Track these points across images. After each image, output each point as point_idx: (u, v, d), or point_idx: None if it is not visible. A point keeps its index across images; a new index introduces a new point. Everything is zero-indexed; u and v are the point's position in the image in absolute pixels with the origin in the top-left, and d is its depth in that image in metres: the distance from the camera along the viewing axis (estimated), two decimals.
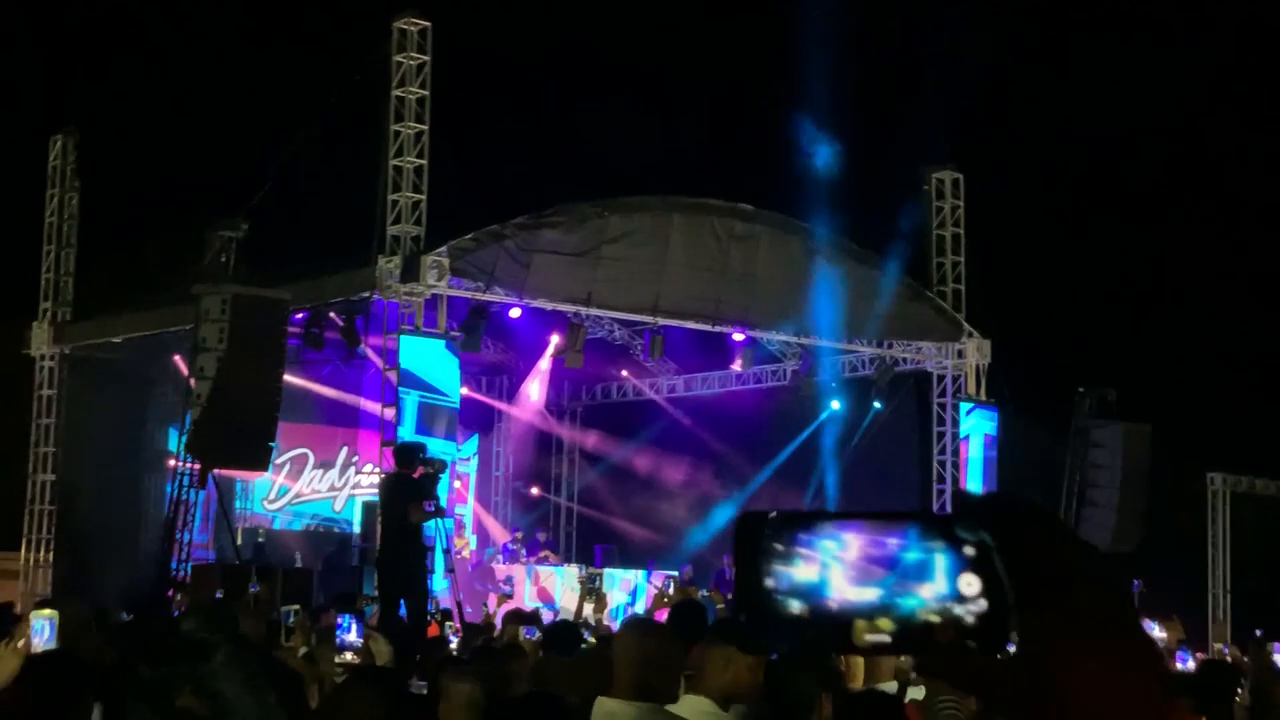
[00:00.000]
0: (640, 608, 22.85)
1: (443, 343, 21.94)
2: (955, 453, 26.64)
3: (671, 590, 10.96)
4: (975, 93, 29.00)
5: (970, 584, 2.16)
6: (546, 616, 17.35)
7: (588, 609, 9.57)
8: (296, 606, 8.81)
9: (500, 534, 29.56)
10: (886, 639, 2.17)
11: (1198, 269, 28.98)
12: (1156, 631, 20.49)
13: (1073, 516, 26.39)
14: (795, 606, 2.18)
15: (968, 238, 26.73)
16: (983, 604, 2.14)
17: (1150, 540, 25.93)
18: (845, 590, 2.17)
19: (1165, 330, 28.03)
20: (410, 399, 21.55)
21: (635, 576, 25.03)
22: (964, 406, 26.66)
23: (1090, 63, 29.27)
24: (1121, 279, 28.09)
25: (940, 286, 26.64)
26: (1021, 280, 27.30)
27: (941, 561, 2.16)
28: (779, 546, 2.19)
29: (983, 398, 26.74)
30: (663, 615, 10.26)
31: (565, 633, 8.42)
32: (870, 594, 2.17)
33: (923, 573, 2.17)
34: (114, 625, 11.48)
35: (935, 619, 2.14)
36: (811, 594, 2.18)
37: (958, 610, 2.15)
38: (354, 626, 8.40)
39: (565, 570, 25.36)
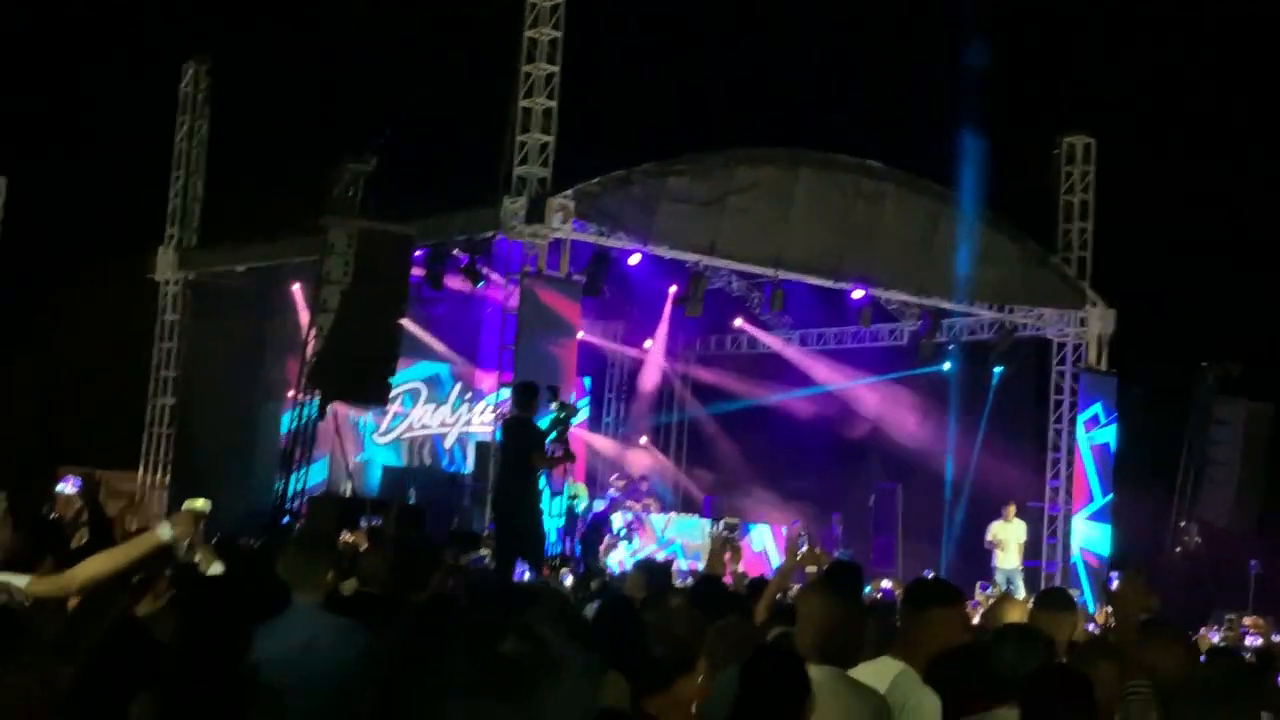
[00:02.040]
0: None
1: (566, 285, 21.85)
2: (1073, 422, 26.24)
3: (805, 549, 10.82)
4: (1112, 56, 28.54)
5: None
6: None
7: (729, 564, 9.46)
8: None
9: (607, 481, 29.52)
10: None
11: None
12: None
13: (1189, 494, 26.03)
14: None
15: (1098, 204, 26.27)
16: None
17: (1270, 521, 25.46)
18: None
19: None
20: (534, 339, 21.49)
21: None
22: (1084, 376, 26.27)
23: (1231, 21, 28.57)
24: (1254, 253, 27.46)
25: (1066, 253, 26.21)
26: (1150, 250, 26.77)
27: None
28: None
29: (1103, 368, 26.32)
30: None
31: (714, 590, 8.28)
32: None
33: None
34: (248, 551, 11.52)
35: None
36: None
37: None
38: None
39: (685, 520, 25.37)
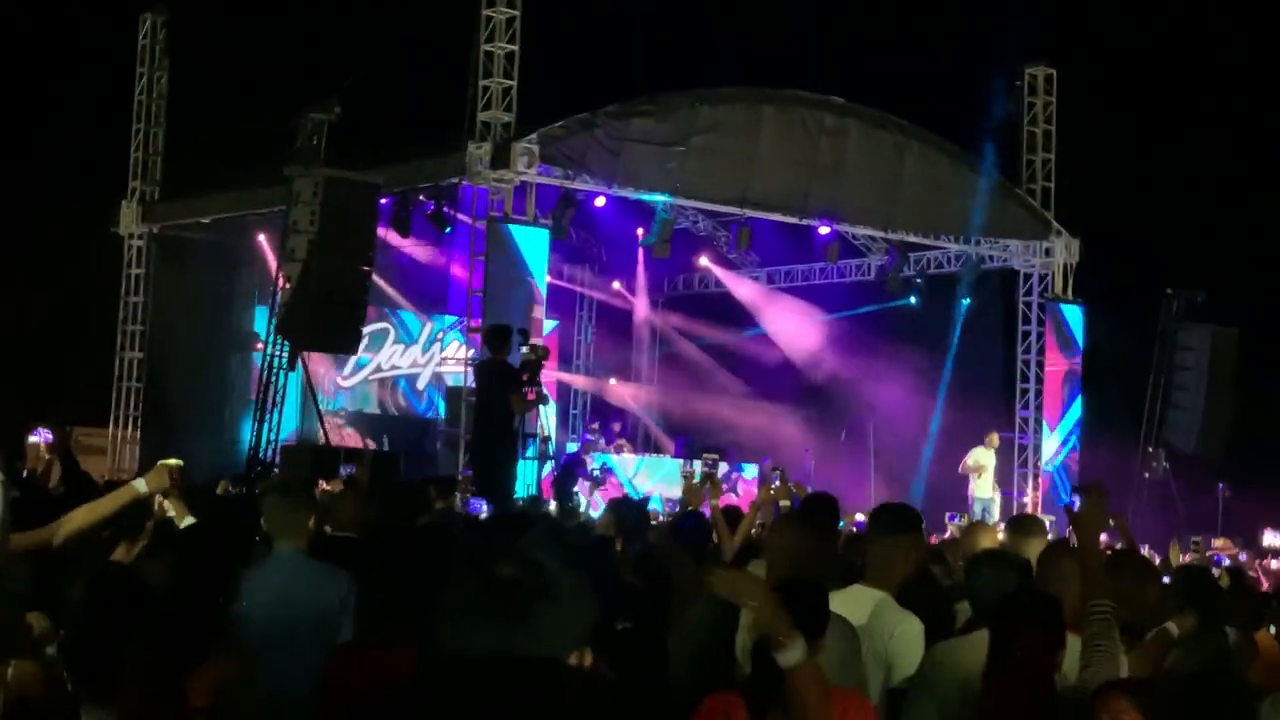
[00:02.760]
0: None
1: (532, 229, 21.86)
2: (1040, 352, 26.46)
3: (779, 483, 11.00)
4: None
5: None
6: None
7: (707, 498, 9.56)
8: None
9: (581, 426, 29.67)
10: None
11: None
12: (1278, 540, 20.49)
13: (1157, 419, 26.25)
14: None
15: (1059, 135, 26.36)
16: None
17: (1237, 445, 25.73)
18: None
19: (1257, 232, 27.58)
20: (504, 283, 21.51)
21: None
22: (1051, 305, 26.45)
23: None
24: (1215, 179, 27.64)
25: (1030, 184, 26.33)
26: (1112, 179, 26.88)
27: None
28: None
29: (1070, 297, 26.52)
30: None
31: (691, 524, 8.37)
32: None
33: None
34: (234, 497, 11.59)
35: None
36: None
37: None
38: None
39: (658, 462, 25.52)
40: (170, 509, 9.05)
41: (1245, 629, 7.78)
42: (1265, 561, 18.26)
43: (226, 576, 5.78)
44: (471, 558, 2.60)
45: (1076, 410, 26.41)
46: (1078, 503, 6.00)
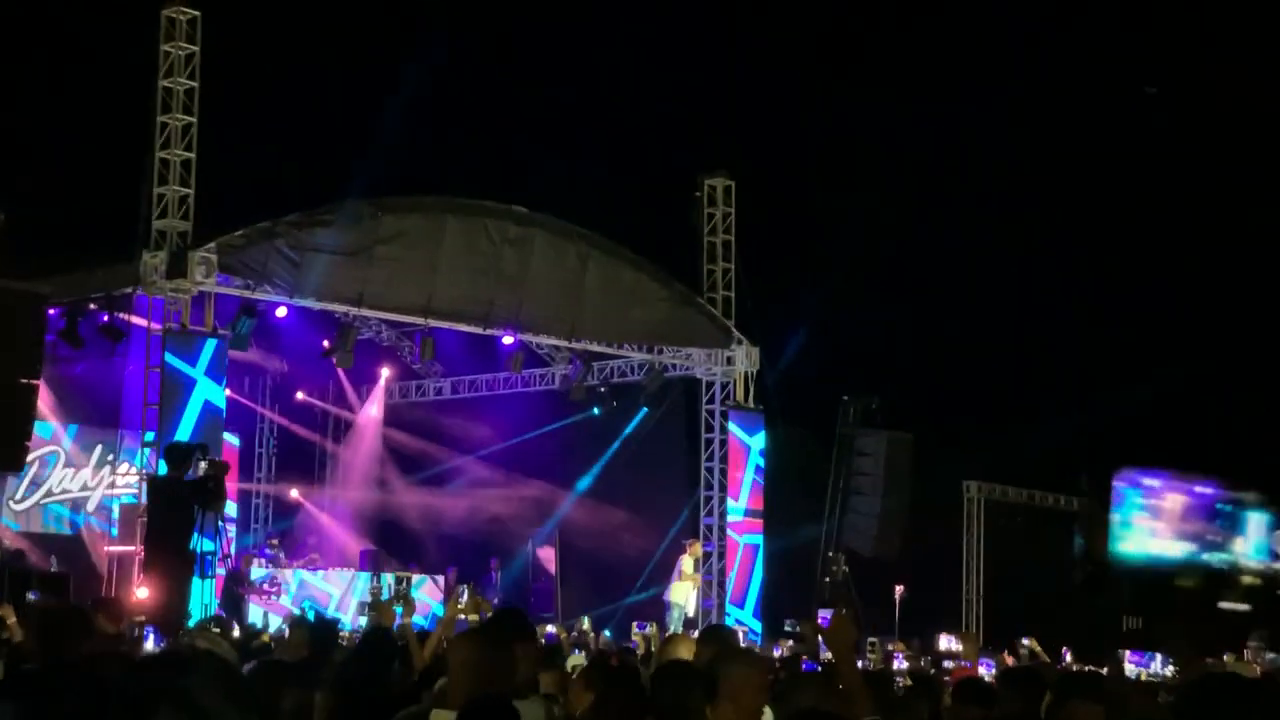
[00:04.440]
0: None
1: (210, 340, 21.29)
2: (724, 459, 26.80)
3: (466, 597, 10.81)
4: (747, 99, 29.45)
5: None
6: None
7: (401, 616, 9.33)
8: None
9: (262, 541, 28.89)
10: None
11: (959, 280, 29.71)
12: (953, 644, 21.06)
13: (836, 524, 26.87)
14: None
15: (738, 244, 26.93)
16: None
17: (911, 547, 26.49)
18: None
19: (928, 339, 28.68)
20: (181, 398, 20.86)
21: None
22: (733, 414, 26.86)
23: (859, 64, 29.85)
24: (888, 289, 28.67)
25: (711, 293, 26.80)
26: (791, 288, 27.65)
27: None
28: None
29: (750, 405, 26.98)
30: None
31: (382, 642, 8.15)
32: None
33: None
34: None
35: None
36: None
37: None
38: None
39: (343, 575, 25.07)
40: None
41: None
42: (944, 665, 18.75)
43: None
44: (124, 703, 2.39)
45: (756, 515, 26.80)
46: (827, 619, 6.32)
